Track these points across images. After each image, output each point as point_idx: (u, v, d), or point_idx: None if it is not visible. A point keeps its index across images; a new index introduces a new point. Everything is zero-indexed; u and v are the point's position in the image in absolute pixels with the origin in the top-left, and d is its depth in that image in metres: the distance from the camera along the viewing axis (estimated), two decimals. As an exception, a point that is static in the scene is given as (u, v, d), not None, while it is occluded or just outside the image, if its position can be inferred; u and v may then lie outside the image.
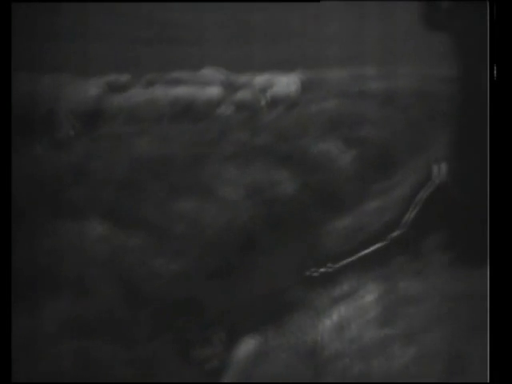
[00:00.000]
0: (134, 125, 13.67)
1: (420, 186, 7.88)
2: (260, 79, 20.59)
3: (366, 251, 7.82)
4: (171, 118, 14.72)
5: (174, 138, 13.49)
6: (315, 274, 8.17)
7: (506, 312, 5.03)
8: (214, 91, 17.15)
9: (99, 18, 16.10)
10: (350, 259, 7.87)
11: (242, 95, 17.11)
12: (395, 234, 7.79)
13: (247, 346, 7.32)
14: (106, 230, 10.07)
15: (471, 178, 7.84)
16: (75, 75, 16.37)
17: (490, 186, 5.35)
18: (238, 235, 11.30)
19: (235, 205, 11.94)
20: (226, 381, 7.19)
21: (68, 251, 9.20)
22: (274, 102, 17.72)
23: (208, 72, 20.29)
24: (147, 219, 10.51)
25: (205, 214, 11.33)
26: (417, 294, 6.79)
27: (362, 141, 16.54)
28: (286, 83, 19.96)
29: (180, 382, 7.07)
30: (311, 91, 20.67)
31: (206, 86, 18.68)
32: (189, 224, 10.92)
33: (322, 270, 8.13)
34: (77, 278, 8.83)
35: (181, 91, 16.72)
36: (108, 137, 13.30)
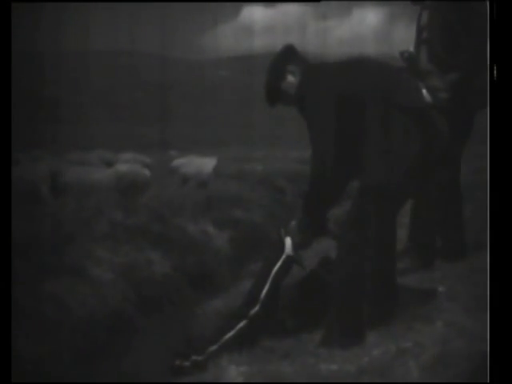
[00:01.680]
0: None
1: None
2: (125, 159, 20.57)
3: (230, 334, 7.75)
4: (43, 197, 14.47)
5: (45, 216, 13.24)
6: (185, 364, 8.02)
7: (506, 312, 5.00)
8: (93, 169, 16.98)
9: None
10: (215, 346, 7.77)
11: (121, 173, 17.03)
12: (254, 311, 7.76)
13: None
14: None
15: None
16: None
17: (490, 186, 5.34)
18: (108, 316, 11.07)
19: (106, 285, 11.74)
20: None
21: None
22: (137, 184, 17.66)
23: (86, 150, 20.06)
24: (14, 301, 10.16)
25: (75, 295, 11.06)
26: (287, 375, 6.74)
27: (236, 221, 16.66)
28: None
29: (180, 382, 6.77)
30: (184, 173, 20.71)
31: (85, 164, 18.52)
32: (58, 305, 10.63)
33: (192, 359, 7.98)
34: None
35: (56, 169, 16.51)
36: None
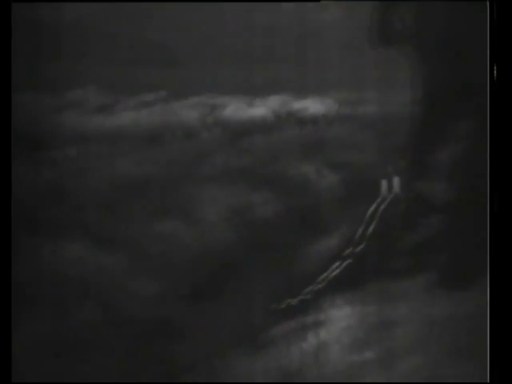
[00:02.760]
0: (115, 146, 13.62)
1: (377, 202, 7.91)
2: (244, 101, 20.59)
3: (334, 273, 7.78)
4: (153, 140, 14.67)
5: (155, 159, 13.44)
6: (292, 303, 8.11)
7: (506, 313, 5.00)
8: (196, 113, 17.13)
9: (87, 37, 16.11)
10: (320, 285, 7.81)
11: (226, 117, 17.09)
12: (351, 250, 7.77)
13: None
14: (83, 250, 9.99)
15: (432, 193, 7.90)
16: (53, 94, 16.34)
17: (490, 186, 5.33)
18: (216, 257, 11.24)
19: (214, 227, 11.89)
20: None
21: (46, 270, 9.12)
22: (255, 125, 17.70)
23: (193, 94, 20.28)
24: (126, 240, 10.43)
25: (183, 236, 11.26)
26: (394, 317, 6.74)
27: (343, 164, 16.54)
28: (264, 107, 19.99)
29: (182, 382, 6.95)
30: (293, 115, 20.69)
31: (191, 107, 18.68)
32: (167, 245, 10.85)
33: (299, 298, 8.06)
34: (54, 298, 8.74)
35: (165, 113, 16.69)
36: (89, 157, 13.24)
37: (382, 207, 8.06)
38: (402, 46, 7.43)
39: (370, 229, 7.91)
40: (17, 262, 8.97)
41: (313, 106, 21.67)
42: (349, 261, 8.09)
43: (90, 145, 13.51)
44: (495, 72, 5.52)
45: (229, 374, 6.80)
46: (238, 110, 18.66)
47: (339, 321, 7.72)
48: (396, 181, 7.83)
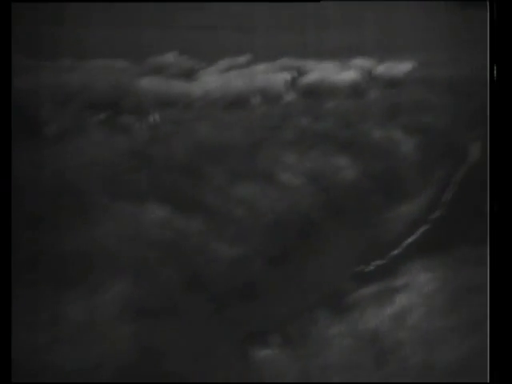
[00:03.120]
0: (195, 111, 13.71)
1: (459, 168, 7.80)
2: (325, 66, 20.49)
3: (412, 238, 7.73)
4: (235, 104, 14.71)
5: (235, 124, 13.49)
6: (372, 266, 8.10)
7: (506, 313, 4.99)
8: (278, 77, 17.08)
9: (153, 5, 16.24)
10: (398, 250, 7.78)
11: (306, 82, 17.02)
12: (435, 215, 7.68)
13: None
14: (165, 214, 10.10)
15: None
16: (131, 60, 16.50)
17: (490, 185, 5.30)
18: (297, 221, 11.25)
19: (295, 190, 11.90)
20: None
21: (128, 234, 9.25)
22: (335, 89, 17.58)
23: (276, 58, 20.21)
24: (207, 204, 10.51)
25: (265, 200, 11.30)
26: (476, 283, 6.67)
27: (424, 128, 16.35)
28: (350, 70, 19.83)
29: (184, 382, 6.97)
30: (373, 79, 20.48)
31: (274, 72, 18.65)
32: (248, 209, 10.90)
33: (379, 262, 8.06)
34: (137, 262, 8.86)
35: (248, 77, 16.69)
36: (169, 122, 13.36)
37: (462, 172, 7.94)
38: (478, 8, 7.27)
39: (451, 194, 7.81)
40: (101, 224, 9.13)
41: (392, 69, 21.41)
42: (429, 226, 8.01)
43: (172, 110, 13.62)
44: (495, 72, 5.44)
45: (315, 336, 6.85)
46: (321, 73, 18.57)
47: (421, 286, 7.67)
48: (476, 146, 7.70)
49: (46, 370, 6.71)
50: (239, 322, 8.75)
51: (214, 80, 15.80)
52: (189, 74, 16.87)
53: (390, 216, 12.21)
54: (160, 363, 7.40)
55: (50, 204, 8.81)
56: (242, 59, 20.33)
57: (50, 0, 14.33)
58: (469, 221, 8.11)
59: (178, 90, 13.87)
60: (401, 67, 21.51)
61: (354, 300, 8.07)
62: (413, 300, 7.47)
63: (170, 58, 17.47)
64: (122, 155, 11.06)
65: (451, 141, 16.13)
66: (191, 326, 8.31)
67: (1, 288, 5.28)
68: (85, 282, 8.02)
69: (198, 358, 7.74)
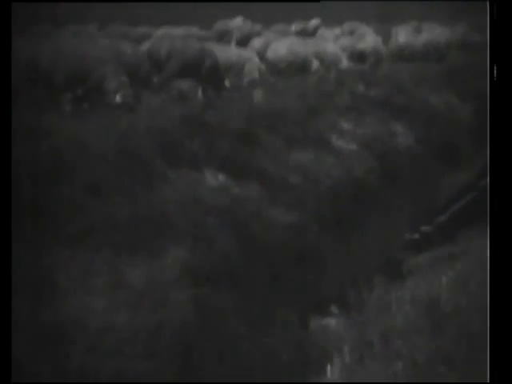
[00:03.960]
0: (251, 78, 13.74)
1: None
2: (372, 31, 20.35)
3: (459, 204, 7.70)
4: (288, 71, 14.72)
5: (290, 91, 13.50)
6: (427, 231, 8.09)
7: (507, 313, 4.99)
8: (330, 44, 17.02)
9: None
10: (444, 216, 7.76)
11: (361, 47, 16.94)
12: (484, 183, 7.61)
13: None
14: (222, 180, 10.18)
15: None
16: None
17: (490, 185, 5.29)
18: (353, 187, 11.28)
19: (351, 156, 11.92)
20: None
21: (186, 200, 9.32)
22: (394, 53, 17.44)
23: (323, 25, 20.13)
24: (262, 170, 10.57)
25: (320, 166, 11.33)
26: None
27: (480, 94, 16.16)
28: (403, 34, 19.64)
29: (186, 382, 7.01)
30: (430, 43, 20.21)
31: (323, 39, 18.56)
32: (303, 175, 10.94)
33: (433, 228, 8.04)
34: (194, 228, 8.93)
35: (295, 45, 16.67)
36: (223, 89, 13.42)
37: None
38: None
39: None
40: (159, 190, 9.23)
41: (440, 35, 21.17)
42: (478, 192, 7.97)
43: (229, 76, 13.66)
44: (495, 72, 5.40)
45: (373, 302, 6.89)
46: (375, 39, 18.47)
47: (475, 253, 7.67)
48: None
49: (106, 331, 6.85)
50: (296, 288, 8.82)
51: (270, 45, 15.83)
52: (248, 40, 16.95)
53: (446, 183, 12.17)
54: (219, 326, 7.51)
55: (110, 170, 8.94)
56: (306, 25, 20.28)
57: (50, 0, 14.29)
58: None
59: (235, 55, 13.91)
60: (449, 32, 21.34)
61: (411, 266, 8.09)
62: (467, 267, 7.47)
63: (235, 23, 17.54)
64: (176, 122, 11.15)
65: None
66: (248, 291, 8.39)
67: (1, 288, 5.37)
68: (143, 248, 8.12)
69: (255, 322, 7.83)
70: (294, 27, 20.48)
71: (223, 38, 18.05)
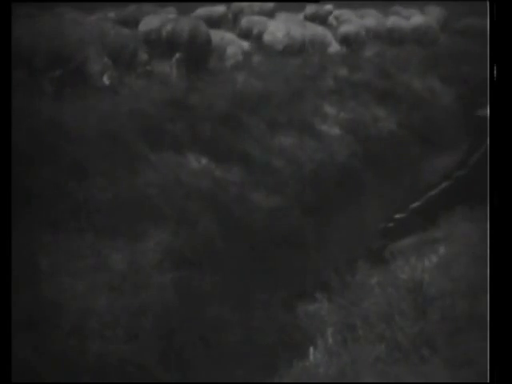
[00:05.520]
0: (233, 60, 13.63)
1: None
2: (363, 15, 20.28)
3: (433, 192, 7.74)
4: (272, 54, 14.63)
5: (273, 73, 13.43)
6: (389, 225, 8.11)
7: (507, 313, 5.01)
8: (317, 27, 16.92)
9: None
10: (417, 203, 7.79)
11: (345, 30, 16.86)
12: (460, 173, 7.66)
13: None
14: (204, 164, 10.12)
15: None
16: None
17: (490, 185, 5.31)
18: (336, 171, 11.26)
19: (335, 140, 11.89)
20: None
21: (168, 183, 9.27)
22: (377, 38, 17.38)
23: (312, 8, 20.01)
24: (245, 154, 10.52)
25: (303, 150, 11.30)
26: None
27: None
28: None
29: (184, 382, 6.99)
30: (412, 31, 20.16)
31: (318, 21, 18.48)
32: (287, 159, 10.91)
33: (395, 218, 8.05)
34: (177, 211, 8.89)
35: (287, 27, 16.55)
36: (208, 72, 13.32)
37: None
38: None
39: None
40: (142, 173, 9.16)
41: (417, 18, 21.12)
42: (466, 173, 7.97)
43: (210, 59, 13.53)
44: (495, 72, 5.42)
45: (356, 286, 6.89)
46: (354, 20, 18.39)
47: (460, 237, 7.68)
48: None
49: (88, 314, 6.82)
50: (277, 272, 8.81)
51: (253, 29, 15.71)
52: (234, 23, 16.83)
53: (427, 167, 12.16)
54: (201, 310, 7.49)
55: (91, 153, 8.86)
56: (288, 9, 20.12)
57: (51, 0, 14.18)
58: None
59: (218, 38, 13.80)
60: (431, 17, 21.29)
61: (393, 250, 8.10)
62: (452, 251, 7.49)
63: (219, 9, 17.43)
64: (160, 105, 11.05)
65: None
66: (230, 274, 8.37)
67: (1, 288, 5.32)
68: (125, 231, 8.08)
69: (238, 306, 7.82)
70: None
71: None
